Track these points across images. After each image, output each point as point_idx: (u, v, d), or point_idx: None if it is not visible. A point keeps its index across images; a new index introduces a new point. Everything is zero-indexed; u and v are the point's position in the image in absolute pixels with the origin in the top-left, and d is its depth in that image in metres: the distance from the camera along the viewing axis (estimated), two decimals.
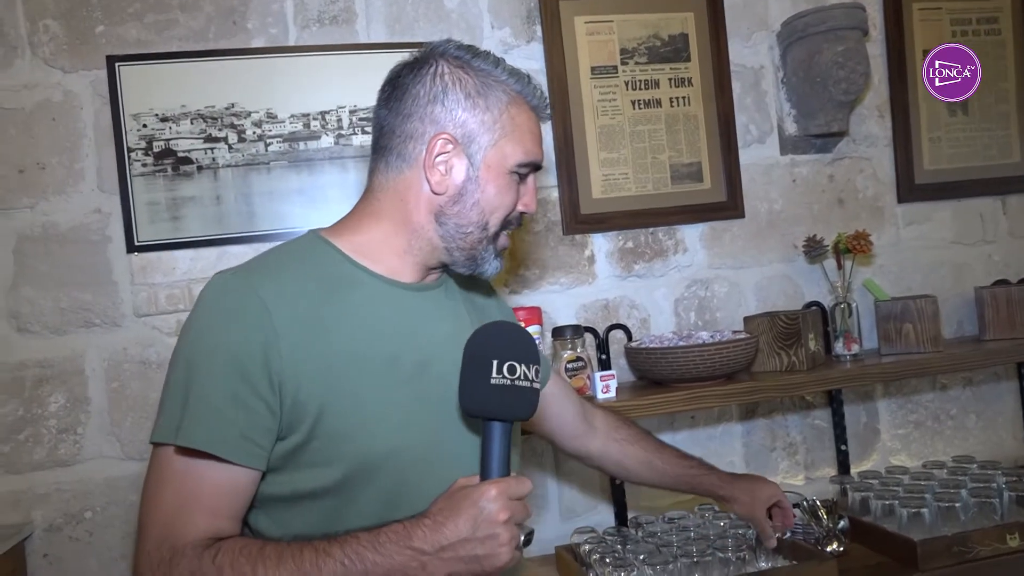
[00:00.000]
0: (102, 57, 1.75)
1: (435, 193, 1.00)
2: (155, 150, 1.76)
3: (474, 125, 0.99)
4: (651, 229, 2.02)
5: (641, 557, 1.53)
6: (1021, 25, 2.24)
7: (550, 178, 1.96)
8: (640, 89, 2.01)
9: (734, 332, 1.88)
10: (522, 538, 0.86)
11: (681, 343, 1.80)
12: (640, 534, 1.69)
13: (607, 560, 1.57)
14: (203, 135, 1.78)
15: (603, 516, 1.97)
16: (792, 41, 2.04)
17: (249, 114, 1.80)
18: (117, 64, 1.74)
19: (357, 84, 1.83)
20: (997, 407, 2.25)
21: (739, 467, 2.05)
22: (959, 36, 2.20)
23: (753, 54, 2.10)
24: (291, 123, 1.82)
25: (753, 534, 1.64)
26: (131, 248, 1.75)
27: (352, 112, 1.85)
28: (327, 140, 1.84)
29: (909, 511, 1.65)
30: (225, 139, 1.79)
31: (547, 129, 1.95)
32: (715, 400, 1.74)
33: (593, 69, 1.98)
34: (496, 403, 0.86)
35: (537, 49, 1.96)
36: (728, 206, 2.05)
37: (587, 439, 1.38)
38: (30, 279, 1.72)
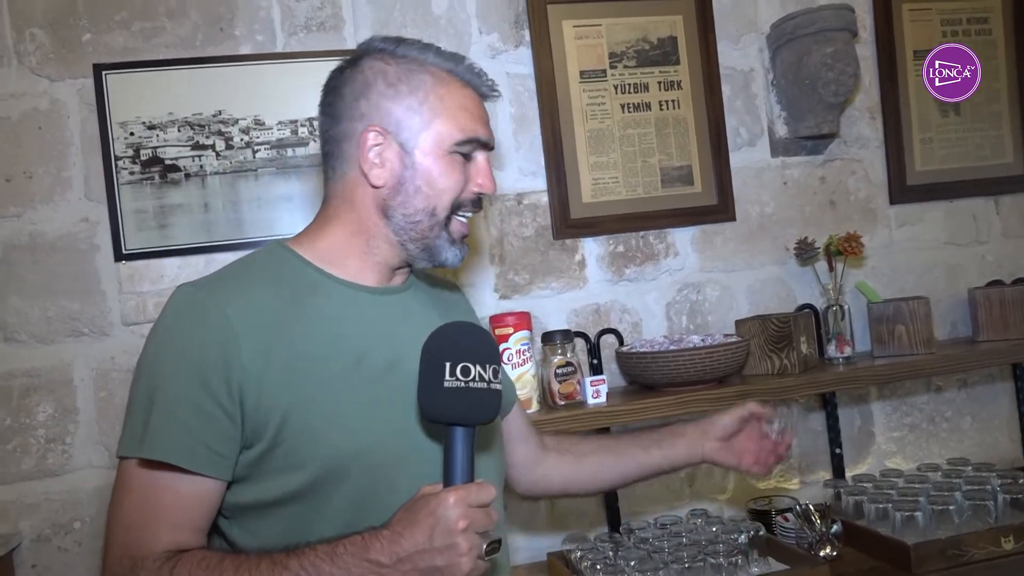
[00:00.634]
0: (89, 65, 1.74)
1: (376, 187, 1.00)
2: (142, 158, 1.75)
3: (400, 112, 0.99)
4: (642, 233, 2.01)
5: (632, 563, 1.53)
6: (1012, 25, 2.24)
7: (539, 182, 1.95)
8: (629, 92, 2.00)
9: (725, 336, 1.87)
10: (484, 547, 0.82)
11: (672, 347, 1.79)
12: (632, 540, 1.68)
13: (598, 567, 1.56)
14: (190, 142, 1.78)
15: (595, 522, 1.95)
16: (781, 43, 2.03)
17: (237, 121, 1.80)
18: (104, 72, 1.74)
19: None
20: (992, 409, 2.23)
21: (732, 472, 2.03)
22: (950, 36, 2.20)
23: (742, 57, 2.09)
24: (279, 130, 1.82)
25: (745, 539, 1.63)
26: (119, 256, 1.75)
27: None
28: (315, 147, 1.83)
29: (903, 514, 1.64)
30: (213, 146, 1.79)
31: (536, 133, 1.95)
32: (706, 404, 1.72)
33: (582, 73, 1.97)
34: (452, 407, 0.84)
35: (525, 54, 1.96)
36: (719, 209, 2.04)
37: (542, 462, 1.33)
38: (17, 288, 1.72)
